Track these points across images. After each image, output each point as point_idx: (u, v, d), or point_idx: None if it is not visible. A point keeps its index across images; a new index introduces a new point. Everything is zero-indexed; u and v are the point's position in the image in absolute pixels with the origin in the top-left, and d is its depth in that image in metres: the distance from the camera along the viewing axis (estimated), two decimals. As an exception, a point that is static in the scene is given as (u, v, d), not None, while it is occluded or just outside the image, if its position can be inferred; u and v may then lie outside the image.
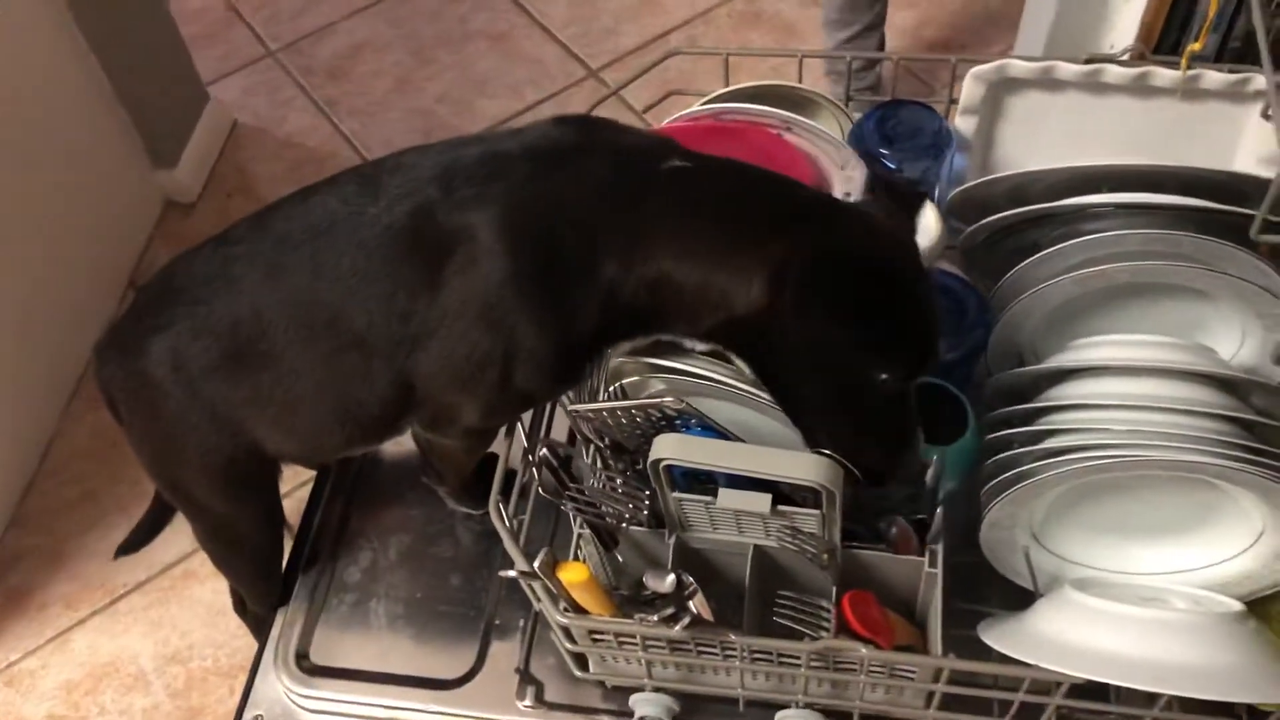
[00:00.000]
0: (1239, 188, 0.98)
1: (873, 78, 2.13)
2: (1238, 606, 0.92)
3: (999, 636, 0.90)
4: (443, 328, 0.89)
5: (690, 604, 0.90)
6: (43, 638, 1.77)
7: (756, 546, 0.97)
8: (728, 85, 1.20)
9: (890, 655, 0.90)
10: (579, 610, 0.91)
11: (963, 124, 1.16)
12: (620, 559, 1.01)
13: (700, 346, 0.92)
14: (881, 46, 2.15)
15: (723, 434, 0.93)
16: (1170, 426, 0.89)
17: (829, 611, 0.95)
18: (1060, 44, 1.57)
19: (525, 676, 1.07)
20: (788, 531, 0.93)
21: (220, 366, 0.96)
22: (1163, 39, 1.37)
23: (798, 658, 0.90)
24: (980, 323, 1.05)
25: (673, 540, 0.99)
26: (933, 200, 1.06)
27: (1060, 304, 1.03)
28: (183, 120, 2.28)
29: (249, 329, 0.94)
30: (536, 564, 0.88)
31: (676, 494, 0.94)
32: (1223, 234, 0.96)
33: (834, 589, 0.95)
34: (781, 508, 0.91)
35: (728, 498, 0.92)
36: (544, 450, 0.96)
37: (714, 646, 0.92)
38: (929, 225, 1.01)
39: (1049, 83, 1.12)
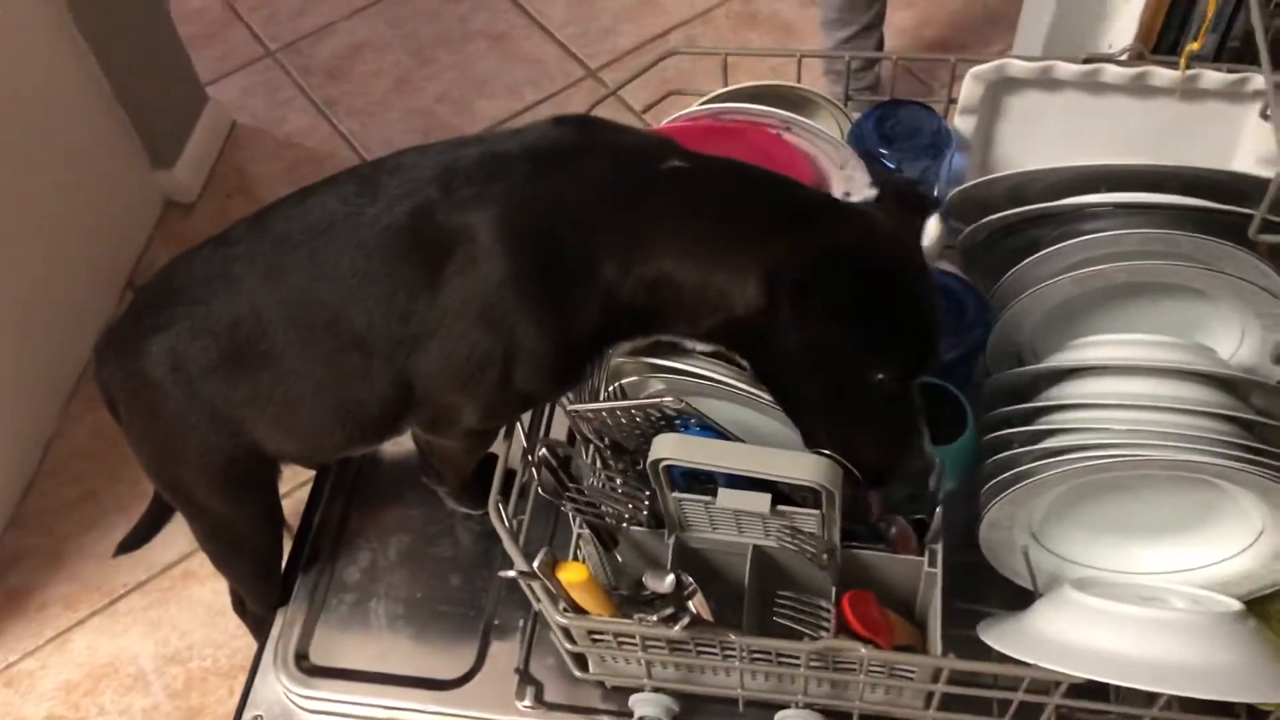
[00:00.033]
0: (1238, 187, 0.98)
1: (871, 77, 2.13)
2: (1237, 606, 0.92)
3: (998, 636, 0.90)
4: (443, 328, 0.89)
5: (690, 604, 0.90)
6: (42, 638, 1.77)
7: (756, 546, 0.97)
8: (726, 85, 1.20)
9: (890, 655, 0.90)
10: (578, 610, 0.91)
11: (962, 124, 1.16)
12: (620, 559, 1.01)
13: (701, 347, 0.92)
14: (880, 46, 2.15)
15: (722, 434, 0.93)
16: (1169, 426, 0.89)
17: (828, 611, 0.95)
18: (1059, 44, 1.57)
19: (525, 677, 1.07)
20: (787, 531, 0.93)
21: (220, 366, 0.96)
22: (1161, 39, 1.37)
23: (797, 658, 0.90)
24: (979, 322, 1.05)
25: (672, 540, 0.99)
26: (930, 215, 1.06)
27: (1059, 303, 1.03)
28: (182, 120, 2.28)
29: (248, 329, 0.94)
30: (536, 564, 0.88)
31: (676, 494, 0.94)
32: (1222, 233, 0.96)
33: (833, 589, 0.95)
34: (781, 508, 0.91)
35: (727, 498, 0.92)
36: (543, 450, 0.96)
37: (713, 647, 0.92)
38: (929, 225, 1.00)
39: (1048, 82, 1.12)
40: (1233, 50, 1.32)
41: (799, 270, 0.82)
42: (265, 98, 2.48)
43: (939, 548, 0.95)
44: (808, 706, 0.98)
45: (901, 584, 0.99)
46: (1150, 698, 0.89)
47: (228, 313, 0.95)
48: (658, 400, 0.92)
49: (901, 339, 0.85)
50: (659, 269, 0.86)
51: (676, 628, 0.89)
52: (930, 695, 0.94)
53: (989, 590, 1.03)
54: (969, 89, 1.13)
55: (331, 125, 2.41)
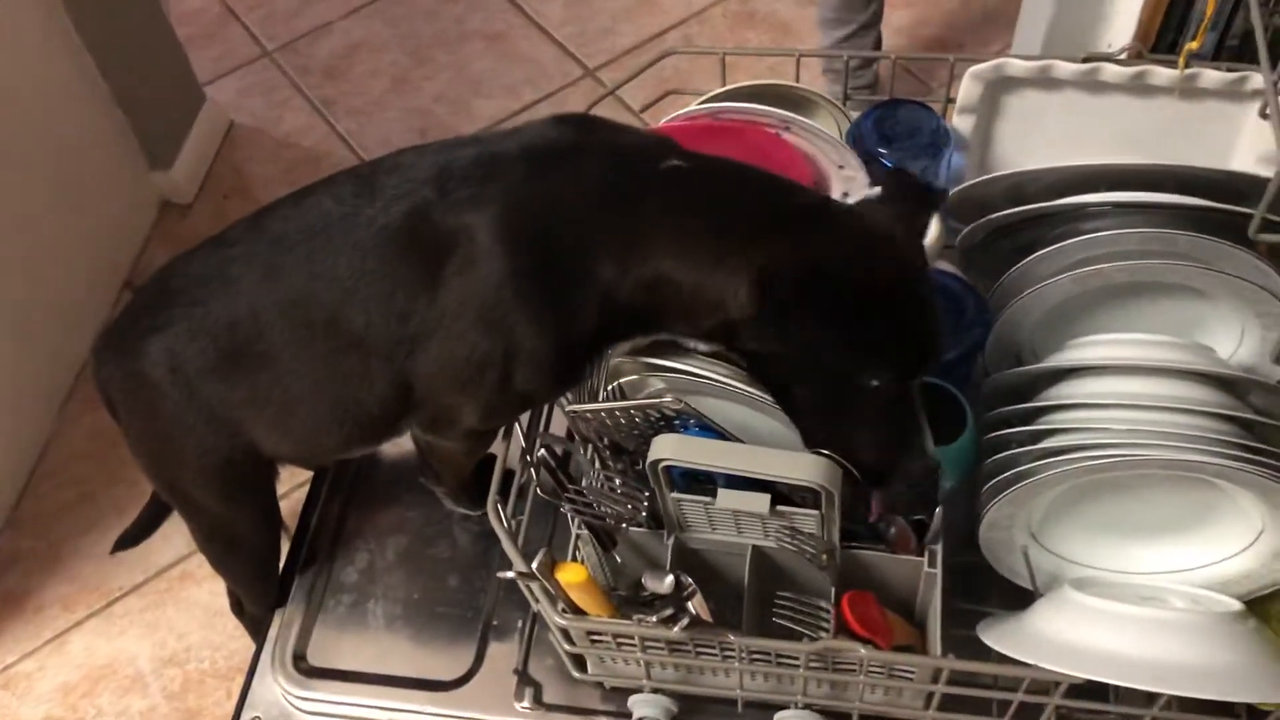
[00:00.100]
0: (1237, 186, 0.98)
1: (870, 76, 2.13)
2: (1237, 606, 0.92)
3: (998, 636, 0.90)
4: (442, 328, 0.89)
5: (689, 605, 0.90)
6: (39, 640, 1.76)
7: (755, 547, 0.97)
8: (725, 85, 1.20)
9: (889, 655, 0.90)
10: (577, 611, 0.91)
11: (960, 123, 1.16)
12: (619, 560, 1.01)
13: (702, 346, 0.92)
14: (878, 45, 2.15)
15: (721, 434, 0.92)
16: (1169, 426, 0.89)
17: (828, 612, 0.95)
18: (1058, 43, 1.57)
19: (523, 678, 1.07)
20: (786, 532, 0.93)
21: (217, 367, 0.96)
22: (1160, 38, 1.37)
23: (796, 658, 0.90)
24: (979, 322, 1.05)
25: (671, 541, 0.99)
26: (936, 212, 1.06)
27: (1058, 303, 1.03)
28: (179, 121, 2.27)
29: (246, 330, 0.94)
30: (535, 565, 0.88)
31: (675, 494, 0.94)
32: (1221, 233, 0.96)
33: (833, 589, 0.95)
34: (780, 508, 0.91)
35: (726, 498, 0.92)
36: (542, 450, 0.96)
37: (712, 647, 0.91)
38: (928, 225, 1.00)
39: (1047, 81, 1.12)
40: (1232, 49, 1.32)
41: (790, 275, 0.81)
42: (262, 98, 2.47)
43: (938, 548, 0.94)
44: (807, 707, 0.98)
45: (901, 584, 0.98)
46: (1150, 698, 0.89)
47: (226, 313, 0.95)
48: (657, 400, 0.92)
49: (895, 344, 0.85)
50: (656, 269, 0.86)
51: (675, 629, 0.89)
52: (930, 695, 0.93)
53: (989, 590, 1.03)
54: (968, 88, 1.13)
55: (329, 125, 2.41)
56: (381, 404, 0.96)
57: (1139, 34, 1.37)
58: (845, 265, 0.83)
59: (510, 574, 0.90)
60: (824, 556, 0.93)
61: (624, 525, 0.99)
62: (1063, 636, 0.88)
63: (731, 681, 0.98)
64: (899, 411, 0.88)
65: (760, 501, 0.91)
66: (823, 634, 0.93)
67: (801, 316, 0.82)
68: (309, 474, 1.28)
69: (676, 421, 0.93)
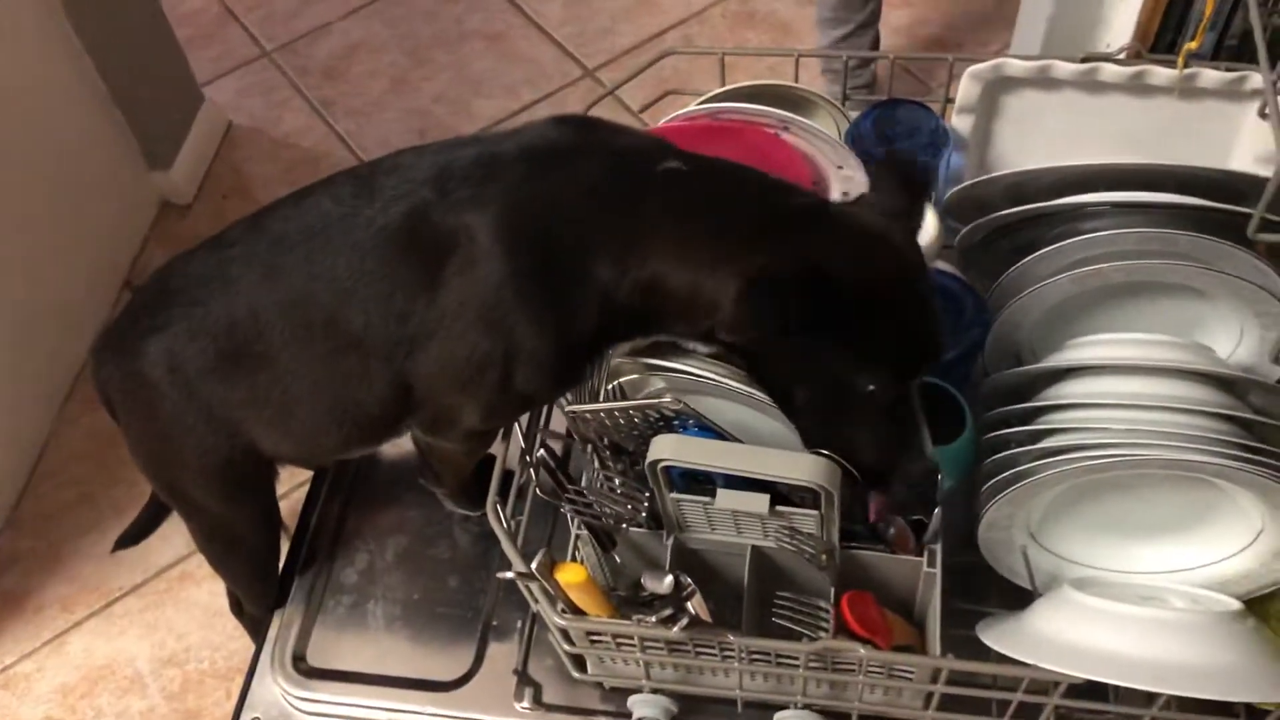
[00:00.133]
0: (1236, 186, 0.98)
1: (868, 75, 2.13)
2: (1236, 605, 0.92)
3: (997, 636, 0.90)
4: (442, 329, 0.89)
5: (688, 605, 0.90)
6: (39, 640, 1.76)
7: (755, 547, 0.97)
8: (724, 85, 1.20)
9: (889, 655, 0.90)
10: (577, 611, 0.91)
11: (959, 123, 1.16)
12: (618, 560, 1.01)
13: (702, 347, 0.92)
14: (876, 44, 2.16)
15: (721, 434, 0.92)
16: (1168, 425, 0.89)
17: (827, 612, 0.95)
18: (1057, 42, 1.57)
19: (523, 678, 1.07)
20: (786, 532, 0.93)
21: (217, 367, 0.96)
22: (1159, 37, 1.37)
23: (796, 658, 0.90)
24: (978, 322, 1.05)
25: (671, 541, 0.99)
26: (930, 199, 1.06)
27: (1058, 303, 1.03)
28: (178, 121, 2.27)
29: (245, 330, 0.94)
30: (534, 565, 0.88)
31: (674, 495, 0.94)
32: (1220, 232, 0.96)
33: (832, 589, 0.95)
34: (780, 508, 0.91)
35: (726, 498, 0.92)
36: (541, 451, 0.96)
37: (712, 647, 0.91)
38: (926, 225, 1.00)
39: (1045, 81, 1.12)
40: (1230, 49, 1.32)
41: (789, 276, 0.81)
42: (261, 98, 2.47)
43: (938, 548, 0.94)
44: (806, 707, 0.98)
45: (900, 584, 0.98)
46: (1149, 698, 0.89)
47: (225, 313, 0.95)
48: (656, 400, 0.92)
49: (894, 345, 0.84)
50: (655, 271, 0.86)
51: (675, 629, 0.89)
52: (929, 695, 0.93)
53: (988, 590, 1.03)
54: (967, 88, 1.13)
55: (328, 125, 2.41)
56: (381, 404, 0.96)
57: (1138, 34, 1.37)
58: (844, 266, 0.83)
59: (510, 574, 0.90)
60: (823, 557, 0.93)
61: (623, 525, 0.99)
62: (1062, 636, 0.88)
63: (731, 681, 0.98)
64: (898, 412, 0.88)
65: (759, 502, 0.91)
66: (822, 634, 0.93)
67: (800, 318, 0.82)
68: (309, 474, 1.28)
69: (676, 422, 0.93)
